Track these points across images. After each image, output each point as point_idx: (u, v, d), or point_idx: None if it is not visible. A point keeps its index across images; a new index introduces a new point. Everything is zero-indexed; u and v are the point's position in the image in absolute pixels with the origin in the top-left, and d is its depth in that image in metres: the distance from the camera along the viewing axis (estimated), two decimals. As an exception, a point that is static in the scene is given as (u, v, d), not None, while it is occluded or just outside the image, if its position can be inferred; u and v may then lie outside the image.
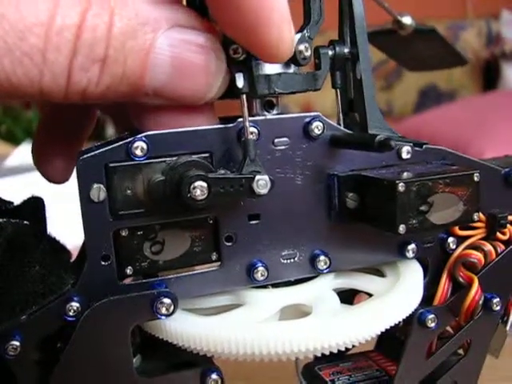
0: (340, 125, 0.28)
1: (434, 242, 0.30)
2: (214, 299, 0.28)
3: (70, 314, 0.24)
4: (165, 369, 0.27)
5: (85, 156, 0.24)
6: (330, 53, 0.28)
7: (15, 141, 1.68)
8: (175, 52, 0.22)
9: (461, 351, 0.32)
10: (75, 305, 0.24)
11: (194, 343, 0.26)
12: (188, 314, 0.27)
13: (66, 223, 0.35)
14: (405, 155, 0.27)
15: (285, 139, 0.26)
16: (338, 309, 0.28)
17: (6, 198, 0.26)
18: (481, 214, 0.28)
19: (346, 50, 0.28)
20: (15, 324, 0.24)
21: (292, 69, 0.26)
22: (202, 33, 0.23)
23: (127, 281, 0.26)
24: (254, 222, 0.26)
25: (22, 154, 1.11)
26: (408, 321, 0.29)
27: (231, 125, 0.25)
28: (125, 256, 0.25)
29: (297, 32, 0.25)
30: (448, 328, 0.31)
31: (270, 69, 0.25)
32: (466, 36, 2.43)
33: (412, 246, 0.29)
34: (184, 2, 0.26)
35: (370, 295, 0.29)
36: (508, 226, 0.30)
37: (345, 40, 0.28)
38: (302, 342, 0.25)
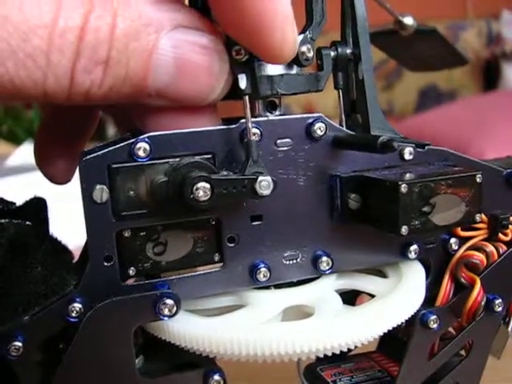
0: (342, 126, 0.28)
1: (436, 242, 0.30)
2: (216, 300, 0.28)
3: (73, 314, 0.24)
4: (167, 370, 0.28)
5: (87, 157, 0.24)
6: (333, 54, 0.28)
7: (16, 140, 1.68)
8: (178, 53, 0.22)
9: (463, 352, 0.32)
10: (77, 306, 0.24)
11: (197, 344, 0.26)
12: (190, 314, 0.27)
13: (68, 224, 0.35)
14: (407, 156, 0.27)
15: (287, 140, 0.26)
16: (340, 310, 0.28)
17: (8, 198, 0.26)
18: (483, 215, 0.28)
19: (348, 51, 0.28)
20: (17, 325, 0.24)
21: (294, 70, 0.26)
22: (205, 34, 0.23)
23: (130, 282, 0.26)
24: (256, 223, 0.26)
25: (24, 153, 1.11)
26: (410, 322, 0.29)
27: (234, 126, 0.25)
28: (127, 257, 0.25)
29: (299, 33, 0.25)
30: (450, 329, 0.31)
31: (273, 70, 0.25)
32: (466, 36, 2.43)
33: (414, 247, 0.29)
34: (186, 4, 0.26)
35: (373, 296, 0.29)
36: (510, 226, 0.30)
37: (347, 41, 0.28)
38: (305, 342, 0.25)
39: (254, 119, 0.25)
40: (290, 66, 0.26)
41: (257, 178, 0.24)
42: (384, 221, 0.26)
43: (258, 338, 0.25)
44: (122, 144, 0.24)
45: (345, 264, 0.28)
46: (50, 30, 0.20)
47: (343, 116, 0.29)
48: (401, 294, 0.28)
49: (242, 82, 0.24)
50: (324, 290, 0.28)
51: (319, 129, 0.26)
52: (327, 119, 0.27)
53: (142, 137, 0.24)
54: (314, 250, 0.28)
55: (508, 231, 0.30)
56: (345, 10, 0.29)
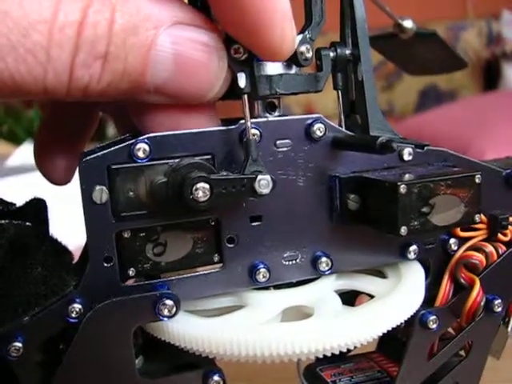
0: (341, 126, 0.28)
1: (435, 243, 0.30)
2: (216, 301, 0.28)
3: (73, 315, 0.24)
4: (167, 370, 0.28)
5: (87, 158, 0.24)
6: (332, 54, 0.28)
7: (17, 140, 1.68)
8: (177, 49, 0.22)
9: (462, 352, 0.32)
10: (77, 306, 0.24)
11: (196, 345, 0.26)
12: (190, 315, 0.27)
13: (68, 224, 0.35)
14: (406, 157, 0.27)
15: (287, 141, 0.26)
16: (339, 310, 0.28)
17: (8, 198, 0.26)
18: (482, 216, 0.28)
19: (348, 52, 0.28)
20: (17, 325, 0.24)
21: (293, 70, 0.26)
22: (205, 31, 0.23)
23: (129, 282, 0.26)
24: (255, 223, 0.26)
25: (24, 153, 1.11)
26: (409, 322, 0.29)
27: (233, 126, 0.25)
28: (127, 257, 0.25)
29: (298, 33, 0.25)
30: (450, 329, 0.31)
31: (272, 69, 0.26)
32: (466, 36, 2.43)
33: (413, 248, 0.29)
34: (186, 1, 0.26)
35: (372, 296, 0.29)
36: (509, 227, 0.30)
37: (346, 41, 0.28)
38: (304, 343, 0.25)
39: (253, 120, 0.25)
40: (289, 65, 0.26)
41: (256, 177, 0.24)
42: (383, 221, 0.26)
43: (257, 338, 0.25)
44: (121, 145, 0.24)
45: (344, 265, 0.28)
46: (50, 25, 0.20)
47: (342, 117, 0.29)
48: (400, 294, 0.28)
49: (241, 81, 0.24)
50: (323, 291, 0.29)
51: (318, 129, 0.26)
52: (326, 120, 0.27)
53: (141, 138, 0.24)
54: (313, 251, 0.28)
55: (507, 231, 0.30)
56: (344, 10, 0.29)
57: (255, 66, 0.25)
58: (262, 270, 0.27)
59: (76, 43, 0.20)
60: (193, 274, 0.26)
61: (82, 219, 0.24)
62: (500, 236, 0.30)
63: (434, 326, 0.29)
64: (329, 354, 0.26)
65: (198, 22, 0.23)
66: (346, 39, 0.29)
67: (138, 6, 0.21)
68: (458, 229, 0.29)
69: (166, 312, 0.25)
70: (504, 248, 0.30)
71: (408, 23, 0.33)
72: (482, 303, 0.29)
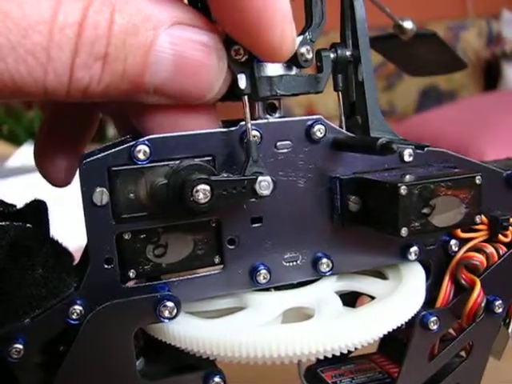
0: (342, 127, 0.28)
1: (436, 244, 0.30)
2: (216, 302, 0.28)
3: (73, 317, 0.24)
4: (168, 372, 0.28)
5: (88, 159, 0.24)
6: (332, 55, 0.28)
7: (17, 141, 1.68)
8: (177, 50, 0.22)
9: (463, 353, 0.32)
10: (78, 308, 0.24)
11: (197, 346, 0.26)
12: (191, 317, 0.27)
13: (68, 226, 0.35)
14: (407, 158, 0.27)
15: (287, 142, 0.26)
16: (340, 311, 0.28)
17: (8, 199, 0.26)
18: (483, 217, 0.28)
19: (348, 53, 0.28)
20: (18, 327, 0.24)
21: (294, 71, 0.26)
22: (204, 32, 0.23)
23: (130, 284, 0.26)
24: (256, 225, 0.26)
25: (24, 154, 1.11)
26: (410, 323, 0.29)
27: (234, 128, 0.25)
28: (128, 259, 0.25)
29: (298, 34, 0.25)
30: (450, 330, 0.31)
31: (272, 70, 0.26)
32: (466, 36, 2.44)
33: (414, 249, 0.29)
34: (186, 1, 0.26)
35: (373, 298, 0.29)
36: (510, 228, 0.30)
37: (347, 43, 0.28)
38: (305, 344, 0.25)
39: (253, 122, 0.25)
40: (289, 66, 0.26)
41: (257, 178, 0.24)
42: (384, 222, 0.26)
43: (258, 340, 0.25)
44: (122, 147, 0.24)
45: (345, 266, 0.28)
46: (50, 26, 0.20)
47: (343, 118, 0.29)
48: (401, 295, 0.28)
49: (242, 82, 0.24)
50: (324, 292, 0.28)
51: (319, 131, 0.26)
52: (327, 121, 0.27)
53: (141, 139, 0.24)
54: (314, 252, 0.28)
55: (508, 232, 0.30)
56: (344, 11, 0.29)
57: (255, 67, 0.25)
58: (263, 271, 0.27)
59: (76, 44, 0.20)
60: (193, 276, 0.26)
61: (83, 221, 0.24)
62: (501, 237, 0.30)
63: (435, 327, 0.29)
64: (330, 356, 0.26)
65: (197, 22, 0.23)
66: (346, 40, 0.29)
67: (137, 6, 0.21)
68: (459, 230, 0.29)
69: (166, 314, 0.25)
70: (505, 249, 0.30)
71: (408, 24, 0.33)
72: (483, 304, 0.29)
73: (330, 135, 0.27)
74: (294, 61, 0.25)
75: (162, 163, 0.24)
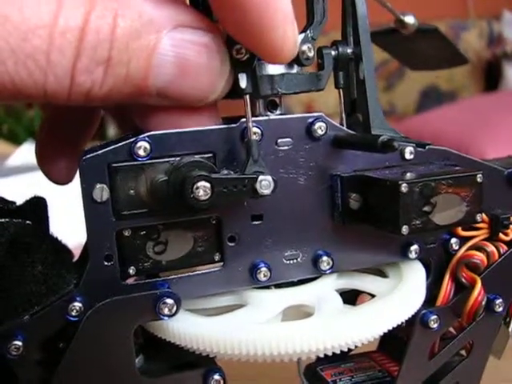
0: (343, 125, 0.28)
1: (436, 242, 0.30)
2: (216, 299, 0.28)
3: (73, 314, 0.24)
4: (167, 369, 0.27)
5: (88, 156, 0.24)
6: (333, 53, 0.28)
7: (17, 140, 1.68)
8: (179, 52, 0.22)
9: (463, 352, 0.32)
10: (78, 305, 0.24)
11: (197, 344, 0.26)
12: (191, 314, 0.27)
13: (68, 223, 0.35)
14: (408, 156, 0.27)
15: (288, 140, 0.26)
16: (340, 309, 0.28)
17: (8, 197, 0.26)
18: (484, 215, 0.28)
19: (349, 51, 0.28)
20: (18, 324, 0.24)
21: (295, 69, 0.26)
22: (206, 33, 0.23)
23: (130, 281, 0.26)
24: (257, 222, 0.26)
25: (24, 153, 1.11)
26: (411, 321, 0.29)
27: (234, 125, 0.25)
28: (128, 256, 0.25)
29: (300, 32, 0.25)
30: (451, 329, 0.31)
31: (273, 69, 0.25)
32: (467, 36, 2.43)
33: (415, 247, 0.29)
34: (187, 2, 0.26)
35: (373, 296, 0.29)
36: (511, 226, 0.30)
37: (348, 40, 0.28)
38: (305, 342, 0.25)
39: (254, 118, 0.25)
40: (290, 65, 0.26)
41: (257, 178, 0.23)
42: (384, 220, 0.26)
43: (258, 337, 0.25)
44: (122, 143, 0.24)
45: (345, 264, 0.28)
46: (50, 30, 0.20)
47: (344, 115, 0.29)
48: (401, 293, 0.28)
49: (243, 82, 0.24)
50: (324, 290, 0.28)
51: (320, 128, 0.26)
52: (328, 118, 0.27)
53: (142, 136, 0.24)
54: (314, 250, 0.27)
55: (509, 231, 0.30)
56: (346, 8, 0.29)
57: (257, 66, 0.25)
58: (263, 268, 0.26)
59: (78, 48, 0.20)
60: (193, 273, 0.26)
61: (83, 217, 0.24)
62: (501, 235, 0.30)
63: (435, 325, 0.29)
64: (329, 354, 0.26)
65: (199, 24, 0.23)
66: (347, 38, 0.28)
67: (139, 10, 0.21)
68: (460, 228, 0.29)
69: (166, 311, 0.25)
70: (505, 247, 0.30)
71: (410, 19, 0.33)
72: (483, 303, 0.29)
73: (330, 133, 0.27)
74: (295, 59, 0.25)
75: (163, 160, 0.24)
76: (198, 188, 0.22)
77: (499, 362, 0.33)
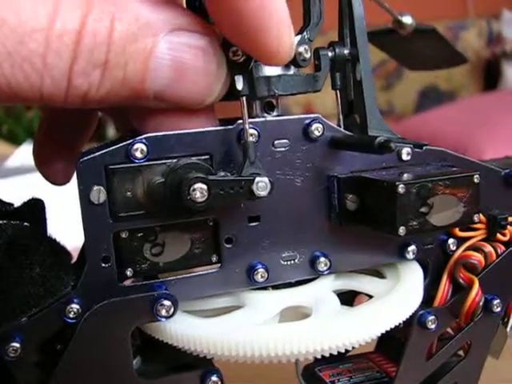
0: (340, 126, 0.28)
1: (434, 243, 0.30)
2: (214, 301, 0.28)
3: (71, 315, 0.24)
4: (165, 371, 0.28)
5: (85, 158, 0.24)
6: (330, 54, 0.28)
7: (17, 141, 1.67)
8: (176, 56, 0.22)
9: (461, 353, 0.32)
10: (75, 307, 0.24)
11: (194, 345, 0.26)
12: (188, 315, 0.27)
13: (66, 225, 0.35)
14: (405, 157, 0.27)
15: (285, 141, 0.26)
16: (338, 310, 0.28)
17: (7, 199, 0.26)
18: (481, 216, 0.28)
19: (346, 52, 0.28)
20: (16, 326, 0.24)
21: (292, 70, 0.26)
22: (203, 36, 0.23)
23: (127, 282, 0.26)
24: (254, 223, 0.26)
25: (23, 154, 1.11)
26: (408, 322, 0.29)
27: (231, 127, 0.25)
28: (125, 258, 0.25)
29: (296, 34, 0.26)
30: (448, 329, 0.31)
31: (270, 70, 0.26)
32: (466, 36, 2.43)
33: (412, 248, 0.29)
34: (184, 5, 0.26)
35: (371, 297, 0.29)
36: (508, 227, 0.30)
37: (345, 41, 0.28)
38: (302, 343, 0.25)
39: (251, 120, 0.25)
40: (287, 66, 0.26)
41: (254, 179, 0.23)
42: (382, 221, 0.26)
43: (255, 338, 0.25)
44: (119, 145, 0.24)
45: (343, 265, 0.28)
46: (47, 33, 0.20)
47: (341, 116, 0.29)
48: (399, 294, 0.28)
49: (239, 83, 0.24)
50: (322, 291, 0.28)
51: (316, 129, 0.26)
52: (324, 120, 0.27)
53: (139, 138, 0.24)
54: (311, 251, 0.27)
55: (506, 231, 0.30)
56: (342, 9, 0.29)
57: (253, 68, 0.25)
58: (261, 270, 0.27)
59: (74, 51, 0.21)
60: (191, 275, 0.26)
61: (80, 219, 0.24)
62: (499, 236, 0.30)
63: (433, 326, 0.29)
64: (327, 355, 0.26)
65: (195, 27, 0.23)
66: (344, 39, 0.28)
67: (136, 13, 0.21)
68: (457, 229, 0.29)
69: (163, 312, 0.25)
70: (503, 248, 0.30)
71: (407, 19, 0.33)
72: (481, 303, 0.29)
73: (327, 134, 0.27)
74: (292, 60, 0.25)
75: (160, 161, 0.24)
76: (194, 190, 0.22)
77: (497, 362, 0.33)
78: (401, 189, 0.24)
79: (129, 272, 0.25)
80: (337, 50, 0.28)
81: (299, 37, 0.26)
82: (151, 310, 0.25)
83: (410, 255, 0.29)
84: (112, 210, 0.24)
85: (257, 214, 0.26)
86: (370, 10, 0.30)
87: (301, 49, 0.26)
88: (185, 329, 0.26)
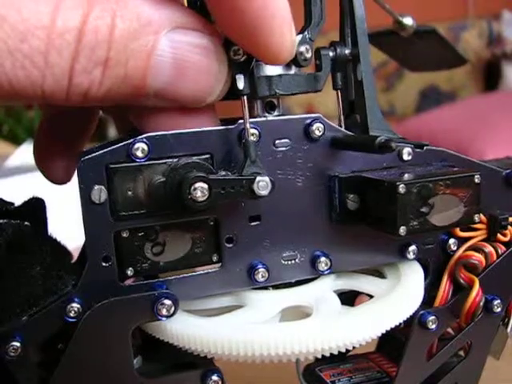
0: (341, 126, 0.28)
1: (434, 243, 0.30)
2: (214, 300, 0.28)
3: (71, 315, 0.24)
4: (165, 370, 0.27)
5: (86, 157, 0.24)
6: (331, 54, 0.28)
7: (17, 141, 1.68)
8: (177, 54, 0.22)
9: (462, 353, 0.32)
10: (76, 306, 0.24)
11: (195, 344, 0.26)
12: (189, 315, 0.27)
13: (66, 224, 0.35)
14: (406, 157, 0.27)
15: (286, 141, 0.26)
16: (338, 310, 0.28)
17: (7, 198, 0.26)
18: (482, 216, 0.28)
19: (347, 52, 0.28)
20: (16, 325, 0.24)
21: (293, 70, 0.26)
22: (204, 35, 0.23)
23: (128, 282, 0.26)
24: (254, 223, 0.26)
25: (24, 154, 1.11)
26: (409, 322, 0.29)
27: (232, 126, 0.25)
28: (126, 257, 0.25)
29: (298, 33, 0.25)
30: (449, 329, 0.31)
31: (271, 70, 0.26)
32: (467, 36, 2.44)
33: (413, 248, 0.29)
34: (185, 4, 0.26)
35: (371, 296, 0.29)
36: (509, 227, 0.30)
37: (346, 41, 0.28)
38: (303, 343, 0.25)
39: (252, 119, 0.25)
40: (288, 66, 0.26)
41: (255, 179, 0.23)
42: (382, 221, 0.26)
43: (256, 338, 0.25)
44: (120, 144, 0.24)
45: (343, 264, 0.28)
46: (48, 31, 0.20)
47: (342, 116, 0.29)
48: (399, 294, 0.28)
49: (240, 83, 0.24)
50: (322, 291, 0.28)
51: (317, 129, 0.26)
52: (325, 120, 0.27)
53: (139, 137, 0.24)
54: (312, 251, 0.27)
55: (507, 232, 0.30)
56: (344, 9, 0.29)
57: (254, 67, 0.25)
58: (261, 269, 0.27)
59: (76, 49, 0.21)
60: (191, 274, 0.26)
61: (81, 219, 0.24)
62: (499, 236, 0.30)
63: (433, 326, 0.29)
64: (328, 354, 0.26)
65: (197, 25, 0.23)
66: (345, 39, 0.28)
67: (138, 11, 0.21)
68: (458, 229, 0.29)
69: (164, 312, 0.25)
70: (503, 248, 0.30)
71: (408, 20, 0.33)
72: (482, 303, 0.29)
73: (328, 134, 0.27)
74: (293, 60, 0.25)
75: (160, 161, 0.24)
76: (195, 189, 0.22)
77: (498, 362, 0.33)
78: (401, 189, 0.24)
79: (129, 271, 0.25)
80: (338, 50, 0.28)
81: (300, 36, 0.26)
82: (152, 310, 0.25)
83: (411, 255, 0.29)
84: (113, 209, 0.24)
85: (257, 213, 0.26)
86: (371, 11, 0.30)
87: (302, 48, 0.26)
88: (185, 328, 0.26)
